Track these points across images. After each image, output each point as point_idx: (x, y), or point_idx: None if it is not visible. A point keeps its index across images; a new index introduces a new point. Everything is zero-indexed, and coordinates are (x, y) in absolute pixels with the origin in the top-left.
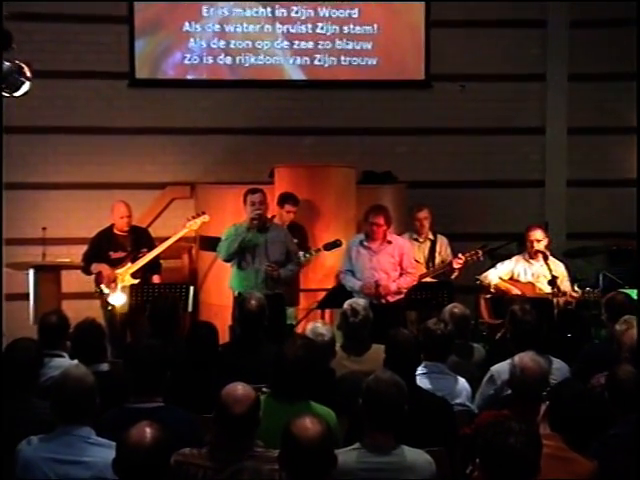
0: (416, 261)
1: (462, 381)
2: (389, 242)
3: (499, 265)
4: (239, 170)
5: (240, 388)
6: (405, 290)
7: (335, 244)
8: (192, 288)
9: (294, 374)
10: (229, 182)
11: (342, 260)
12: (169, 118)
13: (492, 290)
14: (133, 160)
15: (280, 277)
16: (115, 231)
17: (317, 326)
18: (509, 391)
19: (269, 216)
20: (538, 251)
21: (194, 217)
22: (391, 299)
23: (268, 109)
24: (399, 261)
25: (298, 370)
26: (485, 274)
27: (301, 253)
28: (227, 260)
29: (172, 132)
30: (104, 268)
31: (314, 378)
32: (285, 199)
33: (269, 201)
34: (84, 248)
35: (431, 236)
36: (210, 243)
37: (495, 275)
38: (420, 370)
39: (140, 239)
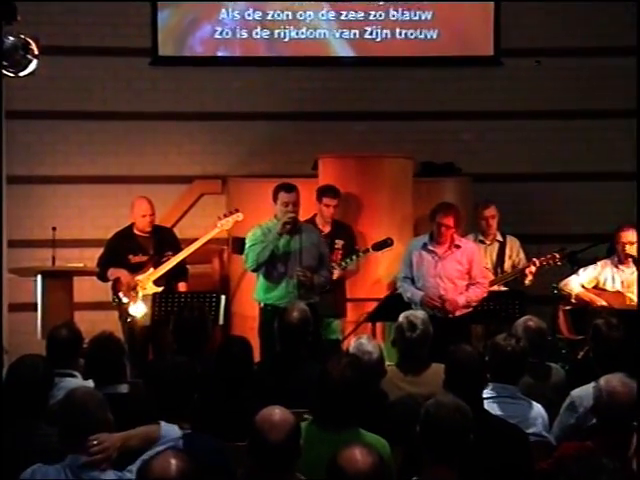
0: None
1: (537, 407)
2: (457, 246)
3: (582, 271)
4: (277, 161)
5: (278, 413)
6: (475, 304)
7: (385, 243)
8: (223, 297)
9: (341, 397)
10: (266, 175)
11: (400, 265)
12: (197, 101)
13: (573, 300)
14: (156, 150)
15: (313, 284)
16: (135, 231)
17: (362, 342)
18: (593, 420)
19: (310, 215)
20: (630, 255)
21: (226, 215)
22: (459, 312)
23: (311, 90)
24: (468, 269)
25: (345, 393)
26: (565, 281)
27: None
28: (255, 270)
29: (200, 117)
30: (123, 274)
31: (363, 402)
32: (323, 191)
33: (311, 195)
34: (99, 251)
35: (500, 237)
36: (244, 246)
37: (577, 283)
38: (487, 393)
39: (164, 241)
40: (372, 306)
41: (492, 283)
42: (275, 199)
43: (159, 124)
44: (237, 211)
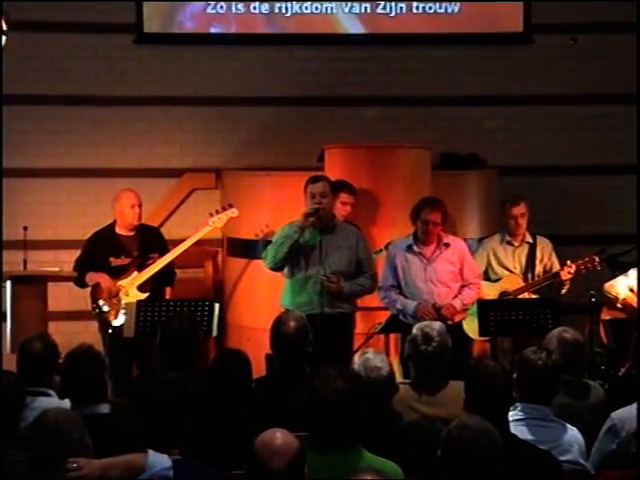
0: (509, 270)
1: (573, 431)
2: (446, 245)
3: (632, 272)
4: (278, 153)
5: (279, 436)
6: (469, 307)
7: None
8: (217, 306)
9: (334, 414)
10: (265, 168)
11: (382, 273)
12: (187, 85)
13: (619, 305)
14: (141, 140)
15: (342, 292)
16: (118, 231)
17: (369, 357)
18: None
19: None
20: None
21: (218, 212)
22: (458, 318)
23: (316, 73)
24: (460, 268)
25: (339, 408)
26: (610, 283)
27: None
28: (274, 268)
29: (191, 103)
30: (103, 279)
31: (364, 417)
32: (339, 187)
33: None
34: (77, 253)
35: (529, 238)
36: (241, 247)
37: (625, 285)
38: (515, 415)
39: (149, 241)
40: (384, 316)
41: (521, 290)
42: (305, 194)
43: (145, 110)
44: (231, 207)
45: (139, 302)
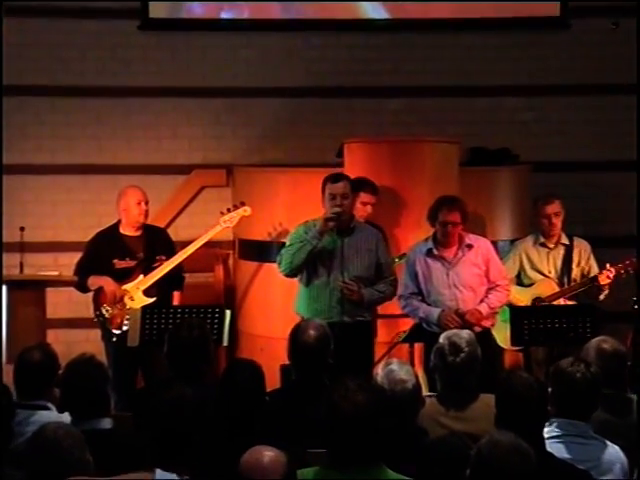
0: (543, 274)
1: (614, 449)
2: (469, 246)
3: None
4: (294, 148)
5: (267, 455)
6: (497, 311)
7: None
8: (229, 313)
9: (353, 429)
10: (280, 164)
11: (402, 280)
12: (196, 74)
13: None
14: (146, 134)
15: (363, 300)
16: (122, 231)
17: (393, 369)
18: None
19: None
20: None
21: (230, 210)
22: (487, 323)
23: (336, 61)
24: (485, 270)
25: (358, 423)
26: None
27: None
28: (290, 275)
29: (201, 94)
30: (106, 282)
31: (386, 433)
32: (360, 185)
33: None
34: (78, 256)
35: (565, 240)
36: (254, 249)
37: None
38: (551, 432)
39: (156, 242)
40: (408, 324)
41: (556, 296)
42: (323, 193)
43: (150, 102)
44: (243, 205)
45: (144, 308)
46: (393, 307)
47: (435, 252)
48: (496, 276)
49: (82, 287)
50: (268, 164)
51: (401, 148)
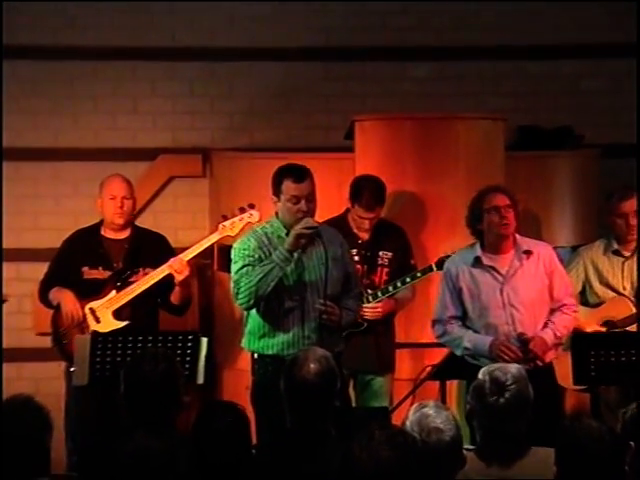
0: (615, 291)
1: None
2: (527, 253)
3: None
4: (290, 126)
5: None
6: (564, 339)
7: None
8: (205, 341)
9: None
10: (272, 148)
11: (438, 301)
12: (163, 31)
13: None
14: (97, 107)
15: (342, 325)
16: (104, 233)
17: (428, 413)
18: None
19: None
20: None
21: (236, 214)
22: (549, 358)
23: (343, 15)
24: (548, 284)
25: None
26: None
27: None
28: (251, 307)
29: (169, 56)
30: (65, 298)
31: None
32: (355, 197)
33: (343, 180)
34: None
35: None
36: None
37: None
38: None
39: (142, 250)
40: (439, 355)
41: (633, 319)
42: (277, 190)
43: (103, 66)
44: (252, 207)
45: (94, 335)
46: (418, 332)
47: (484, 261)
48: (562, 293)
49: (44, 301)
50: (256, 148)
51: (428, 127)
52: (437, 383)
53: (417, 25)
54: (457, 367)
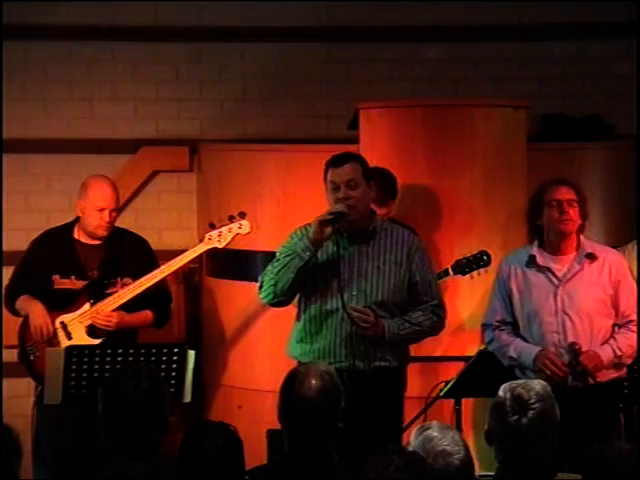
0: None
1: None
2: (590, 256)
3: None
4: (287, 115)
5: None
6: (629, 361)
7: (478, 261)
8: (192, 354)
9: None
10: (267, 139)
11: (489, 303)
12: (144, 9)
13: None
14: (72, 94)
15: (385, 337)
16: (77, 236)
17: (432, 436)
18: None
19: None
20: None
21: (225, 223)
22: (603, 377)
23: None
24: (613, 295)
25: None
26: None
27: None
28: (273, 302)
29: (151, 36)
30: (33, 310)
31: None
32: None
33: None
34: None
35: None
36: (230, 262)
37: None
38: None
39: (121, 257)
40: (453, 370)
41: None
42: (325, 182)
43: (78, 47)
44: (243, 217)
45: (69, 348)
46: (430, 346)
47: (539, 260)
48: (629, 307)
49: (11, 309)
50: (249, 139)
51: (442, 115)
52: (451, 401)
53: (428, 1)
54: (474, 383)
